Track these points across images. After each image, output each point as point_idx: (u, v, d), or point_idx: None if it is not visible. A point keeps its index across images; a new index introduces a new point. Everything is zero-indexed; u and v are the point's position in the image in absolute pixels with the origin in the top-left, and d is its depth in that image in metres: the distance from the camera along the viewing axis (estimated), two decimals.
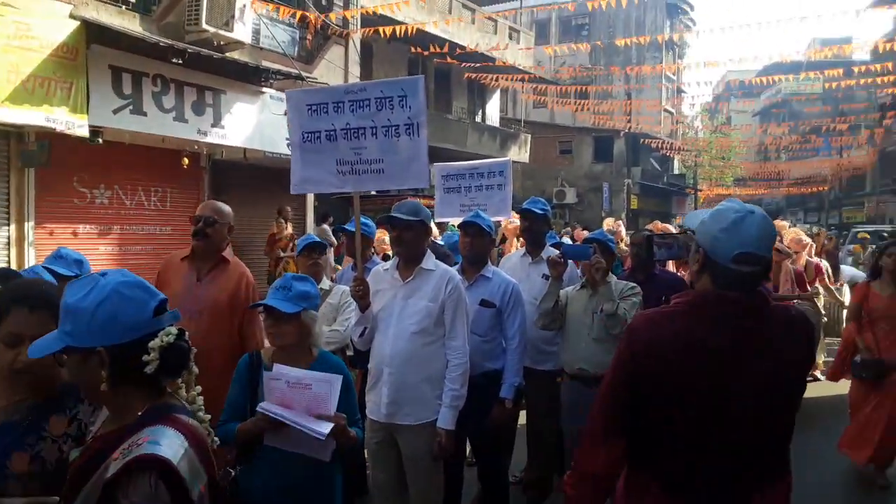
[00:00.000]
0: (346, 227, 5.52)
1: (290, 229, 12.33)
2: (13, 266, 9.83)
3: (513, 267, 5.03)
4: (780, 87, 43.71)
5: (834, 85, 19.43)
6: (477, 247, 4.16)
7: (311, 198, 14.63)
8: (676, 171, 43.20)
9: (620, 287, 4.28)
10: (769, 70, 31.68)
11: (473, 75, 21.01)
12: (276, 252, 12.13)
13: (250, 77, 11.73)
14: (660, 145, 31.62)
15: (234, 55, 11.57)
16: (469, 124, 24.11)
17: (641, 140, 31.95)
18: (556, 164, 33.82)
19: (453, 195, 6.70)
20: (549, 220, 4.99)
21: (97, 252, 10.94)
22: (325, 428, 2.65)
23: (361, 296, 3.60)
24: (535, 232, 4.91)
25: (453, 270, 3.76)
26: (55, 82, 8.92)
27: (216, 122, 11.29)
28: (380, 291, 3.71)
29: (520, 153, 26.79)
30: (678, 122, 42.88)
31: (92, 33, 9.34)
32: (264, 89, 12.06)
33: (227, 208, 4.02)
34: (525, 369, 4.67)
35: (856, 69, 24.48)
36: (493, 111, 26.89)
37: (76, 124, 9.19)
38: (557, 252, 4.43)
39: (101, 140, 9.76)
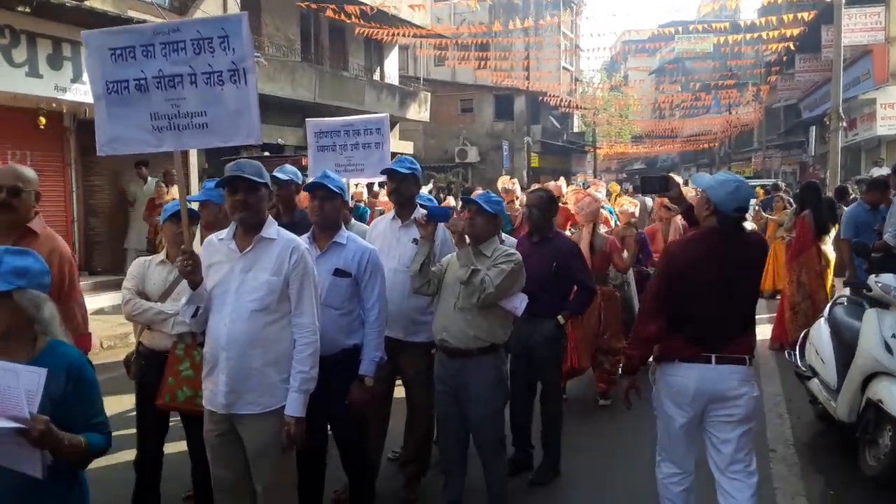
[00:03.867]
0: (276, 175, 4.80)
1: (173, 194, 11.53)
2: None
3: (382, 232, 4.64)
4: (675, 45, 44.69)
5: (722, 40, 19.78)
6: (328, 210, 3.73)
7: (194, 157, 13.74)
8: (576, 130, 43.68)
9: (498, 252, 3.97)
10: (664, 27, 32.17)
11: (370, 32, 20.24)
12: (156, 219, 11.34)
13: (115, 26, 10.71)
14: (559, 103, 31.74)
15: (95, 3, 10.54)
16: (366, 82, 23.38)
17: (541, 98, 31.96)
18: (457, 123, 33.51)
19: (328, 153, 6.21)
20: (417, 179, 4.60)
21: None
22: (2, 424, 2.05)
23: (191, 270, 3.13)
24: (402, 193, 4.52)
25: (298, 239, 3.32)
26: None
27: (76, 78, 10.29)
28: (214, 265, 3.24)
29: (420, 111, 26.34)
30: (577, 80, 43.26)
31: None
32: None
33: (31, 172, 3.44)
34: (398, 342, 4.36)
35: (743, 24, 25.06)
36: (391, 69, 26.18)
37: None
38: (424, 212, 4.09)
39: None
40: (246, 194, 3.14)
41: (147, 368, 3.88)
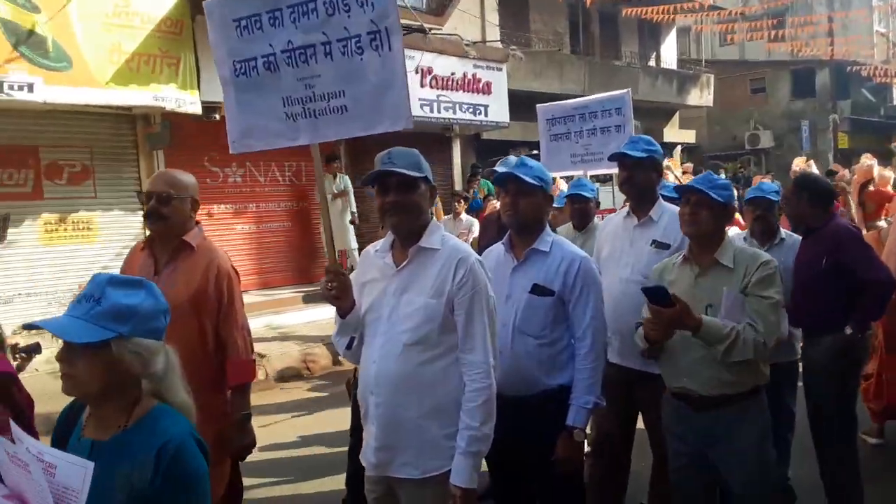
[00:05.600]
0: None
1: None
2: None
3: (612, 233, 3.68)
4: None
5: None
6: (524, 209, 2.88)
7: (456, 154, 13.67)
8: None
9: (743, 258, 2.85)
10: None
11: (644, 15, 18.82)
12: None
13: None
14: (873, 72, 27.12)
15: None
16: (640, 69, 21.89)
17: (850, 68, 27.58)
18: (747, 105, 30.26)
19: (562, 143, 5.38)
20: (657, 164, 3.57)
21: (234, 232, 10.74)
22: None
23: (337, 294, 2.51)
24: (635, 184, 3.52)
25: (467, 247, 2.54)
26: (161, 59, 8.57)
27: None
28: (368, 284, 2.60)
29: (702, 96, 24.13)
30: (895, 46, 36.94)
31: (196, 4, 8.88)
32: None
33: (188, 178, 3.08)
34: (633, 372, 3.39)
35: None
36: (669, 53, 24.32)
37: (187, 101, 8.82)
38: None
39: (217, 116, 9.36)
40: (399, 193, 2.44)
41: None
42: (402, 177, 2.41)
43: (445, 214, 9.85)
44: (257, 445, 3.19)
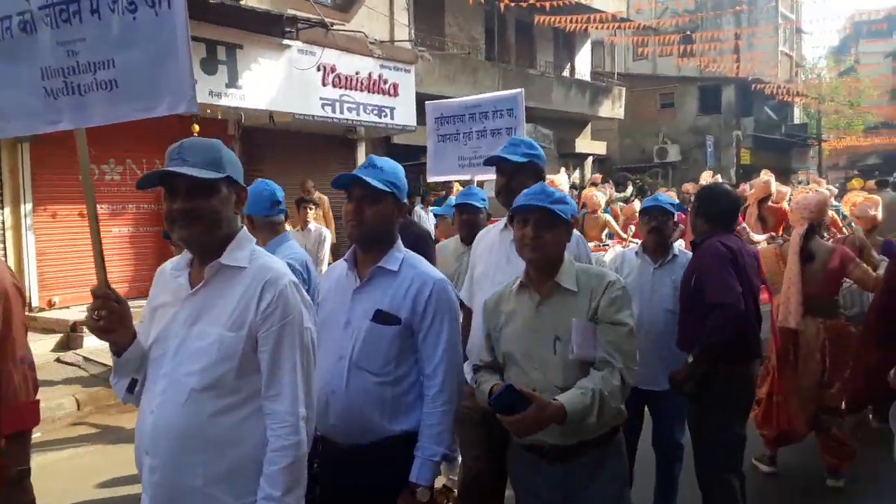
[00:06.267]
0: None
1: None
2: (10, 254, 8.90)
3: (488, 247, 3.25)
4: None
5: None
6: (370, 218, 2.43)
7: None
8: (797, 121, 38.91)
9: (588, 278, 2.49)
10: None
11: (558, 24, 18.76)
12: None
13: (271, 28, 10.24)
14: (776, 90, 28.11)
15: (251, 2, 10.13)
16: (554, 79, 21.89)
17: (753, 86, 28.51)
18: (656, 120, 30.91)
19: (449, 145, 4.96)
20: (539, 171, 3.16)
21: (110, 234, 9.89)
22: None
23: (106, 326, 1.97)
24: (516, 192, 3.13)
25: (280, 266, 2.06)
26: None
27: (231, 82, 9.91)
28: (160, 309, 2.08)
29: (613, 108, 24.39)
30: (798, 66, 38.61)
31: None
32: (289, 42, 10.55)
33: None
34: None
35: None
36: (583, 65, 24.47)
37: None
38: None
39: None
40: (190, 199, 1.93)
41: None
42: (192, 180, 1.91)
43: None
44: None
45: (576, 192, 14.07)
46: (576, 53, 23.99)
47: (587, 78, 24.15)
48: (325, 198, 10.54)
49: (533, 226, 2.41)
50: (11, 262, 8.87)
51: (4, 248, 8.86)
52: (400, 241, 2.53)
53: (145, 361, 2.03)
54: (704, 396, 3.43)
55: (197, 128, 9.86)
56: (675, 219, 4.16)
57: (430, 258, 3.97)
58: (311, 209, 7.77)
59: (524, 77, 20.34)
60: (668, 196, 4.75)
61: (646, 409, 3.98)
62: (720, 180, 9.03)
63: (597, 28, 22.26)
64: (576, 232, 3.18)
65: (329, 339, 2.46)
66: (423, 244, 4.01)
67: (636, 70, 30.96)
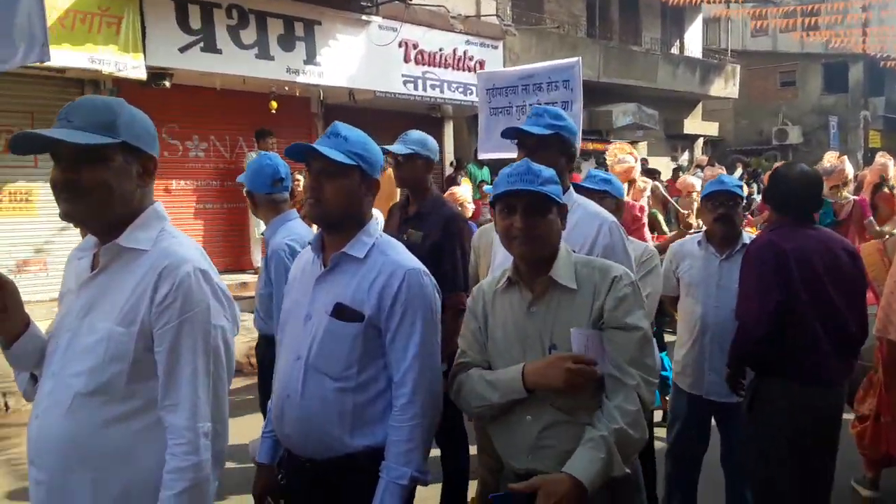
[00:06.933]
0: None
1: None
2: None
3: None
4: None
5: None
6: (329, 195, 2.00)
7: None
8: None
9: (592, 271, 2.02)
10: None
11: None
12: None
13: (350, 3, 9.98)
14: None
15: None
16: (660, 56, 20.73)
17: (883, 63, 26.11)
18: (776, 99, 28.96)
19: (501, 119, 4.50)
20: (568, 145, 2.67)
21: (195, 210, 9.97)
22: None
23: None
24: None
25: (188, 250, 1.68)
26: (100, 17, 7.76)
27: (310, 59, 9.72)
28: (66, 296, 1.78)
29: (726, 87, 22.93)
30: None
31: None
32: (368, 17, 10.27)
33: None
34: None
35: None
36: (693, 42, 23.10)
37: (129, 65, 8.03)
38: None
39: (167, 83, 8.58)
40: (71, 169, 1.60)
41: None
42: (71, 146, 1.56)
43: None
44: None
45: (681, 174, 13.23)
46: (685, 29, 22.67)
47: (697, 55, 22.78)
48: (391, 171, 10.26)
49: (522, 214, 1.92)
50: None
51: None
52: (374, 224, 2.11)
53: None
54: (752, 415, 2.86)
55: (274, 104, 9.78)
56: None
57: (462, 242, 3.55)
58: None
59: (627, 54, 19.39)
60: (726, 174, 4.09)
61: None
62: (846, 162, 8.03)
63: (709, 2, 20.95)
64: (610, 217, 2.68)
65: (289, 336, 2.13)
66: (453, 226, 3.57)
67: (753, 47, 29.03)
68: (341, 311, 1.99)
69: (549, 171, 1.97)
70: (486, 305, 2.08)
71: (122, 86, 8.63)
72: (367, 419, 2.00)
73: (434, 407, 2.03)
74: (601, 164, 10.61)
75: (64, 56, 7.52)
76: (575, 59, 4.26)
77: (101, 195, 1.61)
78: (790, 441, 2.80)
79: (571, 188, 2.75)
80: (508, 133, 2.72)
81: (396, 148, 3.57)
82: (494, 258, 2.82)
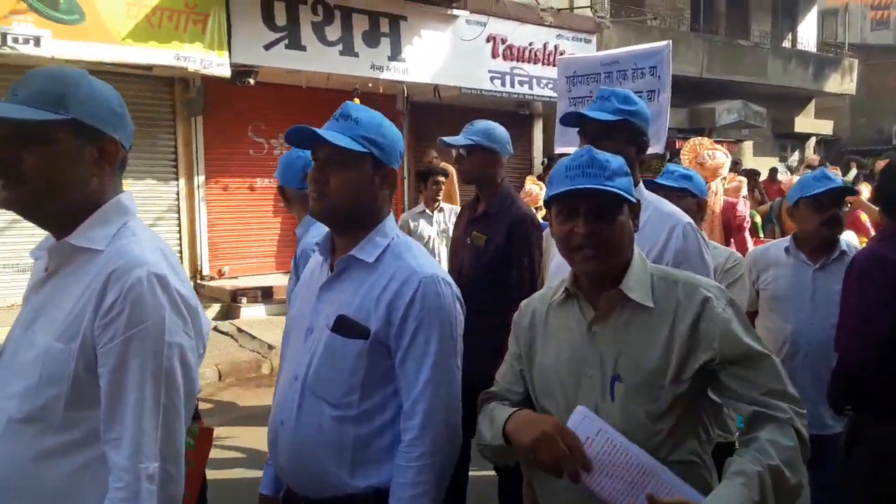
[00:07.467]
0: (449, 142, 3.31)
1: None
2: (184, 224, 9.22)
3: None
4: None
5: None
6: (336, 188, 1.69)
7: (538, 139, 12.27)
8: None
9: (675, 285, 1.59)
10: None
11: None
12: None
13: None
14: None
15: None
16: (769, 50, 19.54)
17: None
18: None
19: (581, 109, 4.06)
20: (637, 133, 2.29)
21: (272, 208, 9.97)
22: None
23: None
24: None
25: (143, 252, 1.39)
26: (186, 14, 7.82)
27: (394, 55, 9.54)
28: (24, 300, 1.54)
29: (843, 83, 21.42)
30: None
31: None
32: (456, 12, 9.99)
33: None
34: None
35: None
36: (807, 34, 21.71)
37: (215, 62, 8.06)
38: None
39: (251, 81, 8.58)
40: (6, 149, 1.36)
41: None
42: (7, 123, 1.32)
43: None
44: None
45: (780, 174, 12.36)
46: (798, 22, 21.31)
47: (812, 49, 21.37)
48: (453, 169, 9.83)
49: (585, 217, 1.53)
50: (185, 231, 9.22)
51: (179, 218, 9.18)
52: (390, 223, 1.79)
53: None
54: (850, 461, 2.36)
55: (358, 101, 9.61)
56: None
57: (531, 248, 3.18)
58: (442, 182, 6.09)
59: (733, 49, 18.36)
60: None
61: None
62: None
63: None
64: (685, 217, 2.27)
65: (290, 352, 1.84)
66: (520, 229, 3.21)
67: (873, 40, 27.09)
68: (342, 325, 1.68)
69: (617, 161, 1.57)
70: (537, 323, 1.71)
71: (208, 84, 8.71)
72: (371, 455, 1.68)
73: (449, 443, 1.69)
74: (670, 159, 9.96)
75: (150, 54, 7.61)
76: (664, 42, 3.82)
77: (40, 182, 1.36)
78: (890, 497, 2.30)
79: (641, 183, 2.36)
80: (568, 119, 2.34)
81: (456, 139, 3.23)
82: (550, 263, 2.45)
